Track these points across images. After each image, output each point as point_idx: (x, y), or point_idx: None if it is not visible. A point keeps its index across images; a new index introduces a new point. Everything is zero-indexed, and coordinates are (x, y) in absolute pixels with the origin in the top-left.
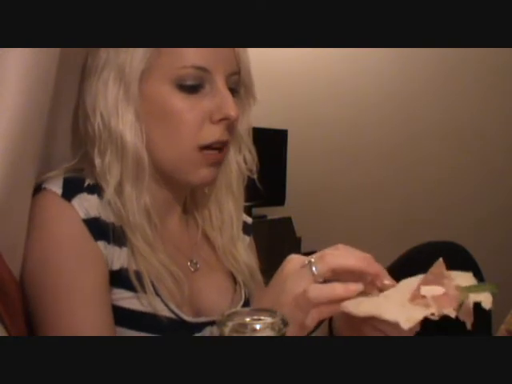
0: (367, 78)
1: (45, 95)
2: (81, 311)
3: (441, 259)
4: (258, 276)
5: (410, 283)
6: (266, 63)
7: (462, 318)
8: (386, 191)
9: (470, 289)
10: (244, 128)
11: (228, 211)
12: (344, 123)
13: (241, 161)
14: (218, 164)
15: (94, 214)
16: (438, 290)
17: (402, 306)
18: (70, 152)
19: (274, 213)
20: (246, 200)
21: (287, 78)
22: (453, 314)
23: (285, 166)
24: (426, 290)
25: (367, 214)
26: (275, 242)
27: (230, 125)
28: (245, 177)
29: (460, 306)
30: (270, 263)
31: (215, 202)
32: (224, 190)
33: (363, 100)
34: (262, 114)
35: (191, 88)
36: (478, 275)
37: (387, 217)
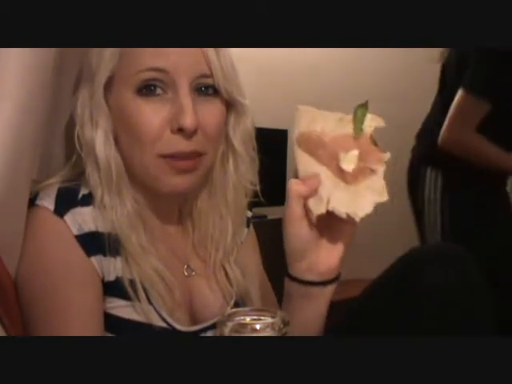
0: (368, 78)
1: (44, 96)
2: (66, 326)
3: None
4: (258, 277)
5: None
6: (265, 63)
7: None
8: (387, 191)
9: (357, 123)
10: (238, 140)
11: (225, 225)
12: None
13: (240, 173)
14: (190, 171)
15: (88, 228)
16: (353, 154)
17: (346, 191)
18: (64, 155)
19: (274, 213)
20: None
21: (287, 77)
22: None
23: (285, 166)
24: (347, 163)
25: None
26: (275, 242)
27: (190, 135)
28: (246, 190)
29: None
30: (270, 263)
31: (212, 213)
32: (221, 203)
33: (364, 100)
34: (262, 114)
35: (150, 93)
36: (476, 277)
37: (387, 217)
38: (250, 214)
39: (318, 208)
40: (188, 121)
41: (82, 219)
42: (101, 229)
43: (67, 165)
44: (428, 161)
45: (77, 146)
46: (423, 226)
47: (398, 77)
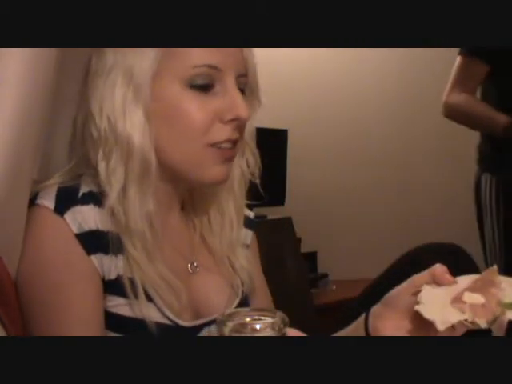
0: (368, 78)
1: (45, 95)
2: (66, 326)
3: (495, 266)
4: (257, 281)
5: (463, 282)
6: (265, 63)
7: (494, 330)
8: (387, 191)
9: (509, 306)
10: (248, 131)
11: (229, 215)
12: (344, 123)
13: (243, 164)
14: (230, 161)
15: (88, 226)
16: (478, 299)
17: (443, 306)
18: (67, 155)
19: (274, 213)
20: (246, 200)
21: (287, 77)
22: (483, 325)
23: (285, 166)
24: (468, 297)
25: (367, 214)
26: (275, 242)
27: (240, 125)
28: (246, 180)
29: (495, 319)
30: (269, 263)
31: (215, 205)
32: (225, 193)
33: (364, 100)
34: (262, 114)
35: (202, 87)
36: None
37: (388, 217)
38: (252, 214)
39: (419, 297)
40: (245, 112)
41: (83, 218)
42: (101, 227)
43: (67, 165)
44: (483, 168)
45: (101, 140)
46: (484, 235)
47: (398, 77)
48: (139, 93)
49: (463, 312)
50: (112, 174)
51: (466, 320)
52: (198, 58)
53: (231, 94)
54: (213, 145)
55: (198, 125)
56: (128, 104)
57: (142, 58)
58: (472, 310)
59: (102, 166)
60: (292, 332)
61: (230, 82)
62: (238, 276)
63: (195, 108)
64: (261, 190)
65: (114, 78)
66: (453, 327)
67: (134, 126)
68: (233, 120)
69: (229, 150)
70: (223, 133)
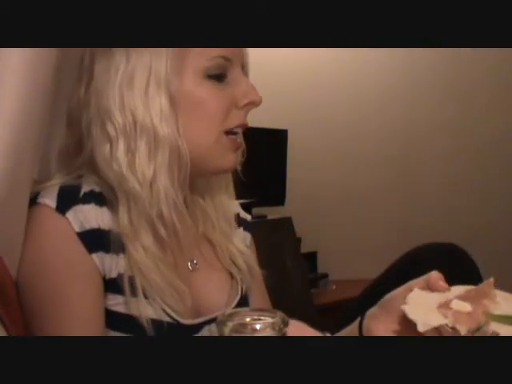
0: (368, 78)
1: (46, 95)
2: (66, 325)
3: (492, 279)
4: (257, 272)
5: (456, 290)
6: (266, 63)
7: None
8: (387, 192)
9: (496, 318)
10: None
11: (221, 205)
12: (344, 123)
13: None
14: (239, 149)
15: (90, 225)
16: (465, 307)
17: (429, 309)
18: (60, 159)
19: (274, 213)
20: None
21: (287, 78)
22: (463, 332)
23: (285, 166)
24: (456, 304)
25: (367, 214)
26: (275, 242)
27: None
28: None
29: (478, 328)
30: (269, 263)
31: (209, 196)
32: (218, 185)
33: (364, 100)
34: (262, 114)
35: (218, 77)
36: (477, 277)
37: (388, 217)
38: (249, 217)
39: (407, 297)
40: (258, 96)
41: (84, 216)
42: (103, 226)
43: (69, 166)
44: None
45: (123, 136)
46: None
47: (399, 77)
48: (160, 86)
49: (446, 317)
50: (139, 166)
51: (446, 325)
52: (213, 50)
53: (242, 81)
54: (228, 132)
55: (217, 112)
56: (151, 98)
57: (161, 54)
58: (455, 317)
59: (124, 162)
60: (296, 325)
61: (239, 71)
62: (238, 269)
63: (214, 97)
64: (241, 176)
65: (130, 76)
66: (437, 331)
67: (159, 117)
68: (247, 105)
69: (238, 139)
70: (238, 118)
